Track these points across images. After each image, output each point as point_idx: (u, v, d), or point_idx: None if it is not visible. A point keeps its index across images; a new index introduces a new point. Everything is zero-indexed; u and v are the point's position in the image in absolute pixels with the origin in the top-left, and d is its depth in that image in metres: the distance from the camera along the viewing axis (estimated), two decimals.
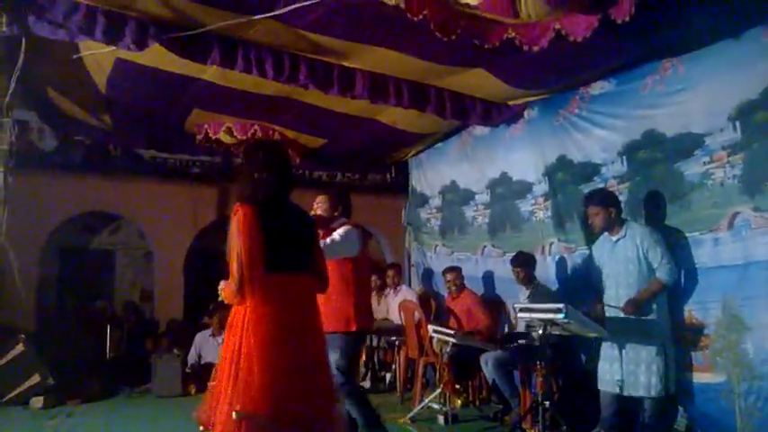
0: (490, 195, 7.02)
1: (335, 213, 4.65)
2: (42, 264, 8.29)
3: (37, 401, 6.38)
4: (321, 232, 4.13)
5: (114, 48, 4.42)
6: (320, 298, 3.20)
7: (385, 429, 4.46)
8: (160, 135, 7.16)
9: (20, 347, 6.58)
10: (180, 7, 4.18)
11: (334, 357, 4.01)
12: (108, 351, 7.57)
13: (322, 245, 3.69)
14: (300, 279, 3.08)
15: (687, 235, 4.59)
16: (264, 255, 2.88)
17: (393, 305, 7.52)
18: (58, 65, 5.17)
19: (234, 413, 2.73)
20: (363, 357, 7.57)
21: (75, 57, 4.92)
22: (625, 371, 4.39)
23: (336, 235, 4.40)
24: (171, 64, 5.00)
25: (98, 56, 4.92)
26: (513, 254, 5.98)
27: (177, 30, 4.38)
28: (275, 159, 3.18)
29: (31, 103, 6.14)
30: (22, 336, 6.69)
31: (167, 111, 6.36)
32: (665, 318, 4.46)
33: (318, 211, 4.61)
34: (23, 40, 4.43)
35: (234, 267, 2.85)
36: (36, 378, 6.52)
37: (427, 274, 8.24)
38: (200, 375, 7.01)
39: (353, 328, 4.38)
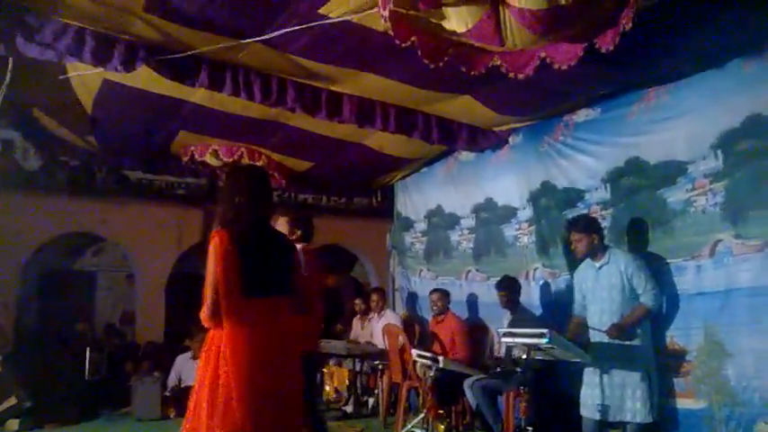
0: (475, 220, 7.04)
1: (293, 237, 4.69)
2: (22, 284, 8.20)
3: (13, 424, 6.27)
4: None
5: (102, 69, 4.43)
6: None
7: None
8: (146, 156, 7.14)
9: None
10: (168, 30, 4.19)
11: None
12: (87, 373, 7.45)
13: None
14: (278, 302, 3.08)
15: (669, 261, 4.62)
16: (242, 280, 2.89)
17: (377, 329, 7.47)
18: (45, 85, 5.15)
19: None
20: (346, 382, 7.51)
21: (62, 77, 4.92)
22: (609, 396, 4.36)
23: None
24: (158, 86, 5.00)
25: (85, 77, 4.92)
26: (498, 278, 5.99)
27: (165, 52, 4.40)
28: (257, 184, 3.19)
29: (16, 123, 6.11)
30: None
31: (154, 132, 6.35)
32: (648, 343, 4.46)
33: None
34: (10, 60, 4.43)
35: (207, 292, 2.85)
36: (13, 400, 6.39)
37: (411, 299, 8.20)
38: (181, 398, 6.91)
39: None
